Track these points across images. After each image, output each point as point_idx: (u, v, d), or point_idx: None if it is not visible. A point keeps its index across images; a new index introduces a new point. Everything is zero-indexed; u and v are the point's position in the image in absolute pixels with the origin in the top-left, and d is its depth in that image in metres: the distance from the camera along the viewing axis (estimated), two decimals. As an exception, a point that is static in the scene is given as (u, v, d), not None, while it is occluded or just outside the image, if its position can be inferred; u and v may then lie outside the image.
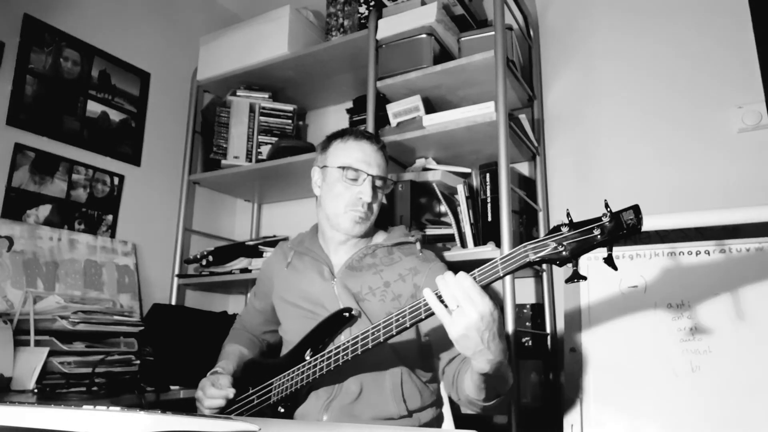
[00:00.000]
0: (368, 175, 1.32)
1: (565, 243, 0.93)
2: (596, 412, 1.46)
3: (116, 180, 2.16)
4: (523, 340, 1.82)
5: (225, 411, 1.32)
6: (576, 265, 0.95)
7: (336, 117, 2.47)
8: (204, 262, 2.18)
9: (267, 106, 2.30)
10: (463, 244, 1.72)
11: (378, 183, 1.34)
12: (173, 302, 2.26)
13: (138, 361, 1.68)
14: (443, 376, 1.23)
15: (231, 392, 1.29)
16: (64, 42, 2.02)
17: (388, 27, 1.90)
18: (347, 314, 1.25)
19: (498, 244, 1.59)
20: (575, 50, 2.05)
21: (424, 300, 1.00)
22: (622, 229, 0.91)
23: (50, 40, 1.97)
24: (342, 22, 2.12)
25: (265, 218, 2.65)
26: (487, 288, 0.98)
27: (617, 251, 1.59)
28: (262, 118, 2.29)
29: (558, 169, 2.00)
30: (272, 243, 2.14)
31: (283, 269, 1.46)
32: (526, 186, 1.91)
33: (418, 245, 1.39)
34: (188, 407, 1.37)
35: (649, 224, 1.57)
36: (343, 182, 1.32)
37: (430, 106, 1.95)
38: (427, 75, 1.81)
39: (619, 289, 1.55)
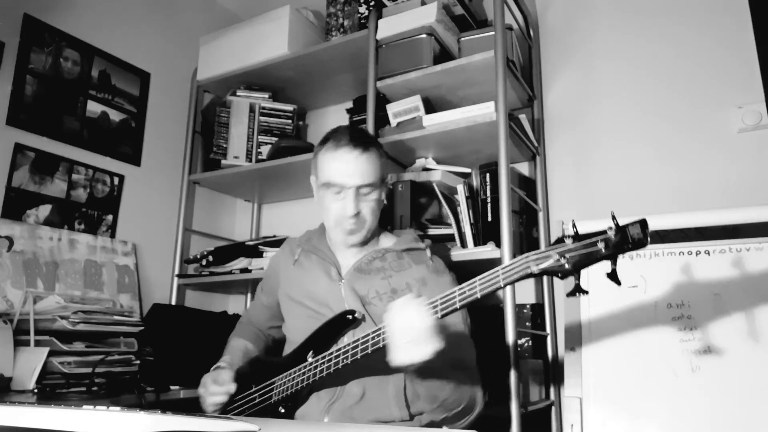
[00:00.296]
0: (349, 187, 1.27)
1: (567, 255, 0.92)
2: (596, 412, 1.46)
3: (116, 180, 2.16)
4: (523, 340, 1.82)
5: (228, 408, 1.32)
6: (578, 278, 0.93)
7: (336, 117, 2.47)
8: (204, 262, 2.18)
9: (267, 106, 2.30)
10: (463, 244, 1.72)
11: (364, 190, 1.28)
12: (173, 302, 2.26)
13: (138, 361, 1.68)
14: None
15: (232, 387, 1.30)
16: (64, 42, 2.02)
17: (388, 27, 1.90)
18: (351, 317, 1.25)
19: (498, 244, 1.59)
20: (575, 50, 2.05)
21: (427, 306, 1.02)
22: (627, 243, 0.89)
23: (50, 40, 1.97)
24: (342, 22, 2.12)
25: (265, 218, 2.65)
26: (489, 296, 0.99)
27: (617, 251, 1.59)
28: (262, 118, 2.29)
29: (558, 169, 2.00)
30: (272, 243, 2.14)
31: (290, 266, 1.45)
32: (526, 186, 1.91)
33: (428, 252, 1.38)
34: (188, 407, 1.37)
35: (649, 224, 1.58)
36: (328, 197, 1.30)
37: (430, 106, 1.95)
38: (427, 75, 1.81)
39: (619, 290, 1.55)
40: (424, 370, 1.04)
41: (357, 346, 1.11)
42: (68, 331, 1.53)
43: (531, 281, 1.95)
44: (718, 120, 1.76)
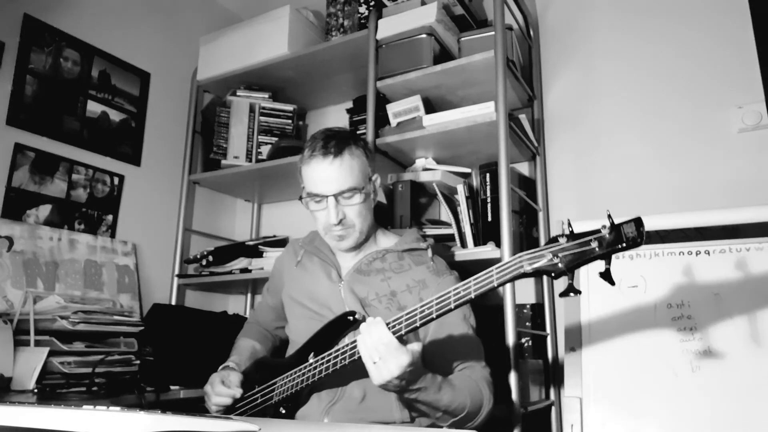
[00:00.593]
0: (327, 196, 1.26)
1: (560, 255, 0.91)
2: (596, 412, 1.46)
3: (116, 180, 2.16)
4: (523, 340, 1.82)
5: (230, 408, 1.33)
6: (572, 278, 0.92)
7: (336, 117, 2.47)
8: (204, 262, 2.18)
9: (267, 106, 2.30)
10: (463, 244, 1.72)
11: (345, 196, 1.26)
12: (173, 302, 2.26)
13: (138, 361, 1.68)
14: None
15: (238, 392, 1.30)
16: (64, 42, 2.02)
17: (388, 27, 1.90)
18: (352, 318, 1.25)
19: (498, 244, 1.59)
20: (575, 50, 2.05)
21: (420, 309, 1.02)
22: (621, 242, 0.87)
23: (50, 40, 1.97)
24: (342, 22, 2.12)
25: (265, 218, 2.65)
26: (483, 296, 0.98)
27: (617, 251, 1.59)
28: (262, 118, 2.29)
29: (558, 169, 2.00)
30: (272, 243, 2.14)
31: (293, 267, 1.46)
32: (526, 186, 1.91)
33: (429, 252, 1.37)
34: (188, 407, 1.37)
35: (649, 224, 1.57)
36: (312, 206, 1.30)
37: (430, 106, 1.95)
38: (427, 75, 1.81)
39: (619, 290, 1.55)
40: (407, 389, 1.03)
41: (355, 347, 1.11)
42: (68, 331, 1.53)
43: (531, 281, 1.95)
44: (718, 120, 1.76)
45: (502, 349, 1.50)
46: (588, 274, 1.62)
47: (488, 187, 1.76)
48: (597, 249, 0.89)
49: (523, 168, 2.03)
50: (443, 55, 1.87)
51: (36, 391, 1.41)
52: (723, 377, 1.37)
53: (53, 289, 1.83)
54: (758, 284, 1.42)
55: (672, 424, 1.37)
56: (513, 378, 1.47)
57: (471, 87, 1.88)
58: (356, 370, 1.21)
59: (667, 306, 1.48)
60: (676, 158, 1.81)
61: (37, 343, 1.51)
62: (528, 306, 1.88)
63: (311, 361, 1.21)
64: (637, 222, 0.88)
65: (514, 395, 1.46)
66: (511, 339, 1.50)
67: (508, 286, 1.53)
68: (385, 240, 1.41)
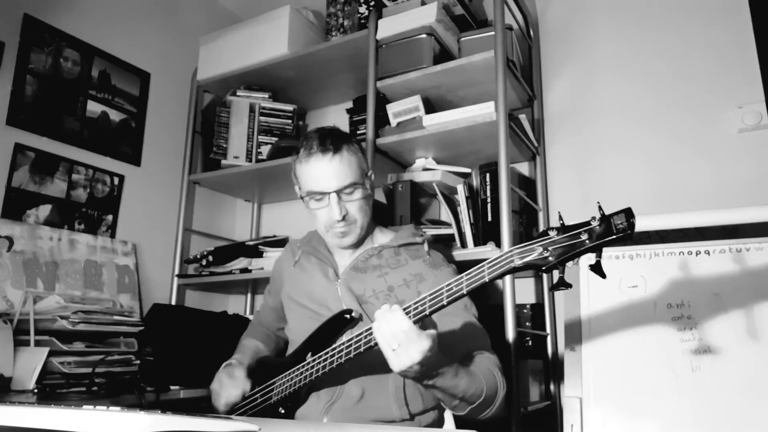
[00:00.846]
0: (329, 192, 1.26)
1: (551, 248, 0.90)
2: (596, 412, 1.46)
3: (116, 180, 2.16)
4: (523, 340, 1.82)
5: (234, 407, 1.33)
6: (563, 271, 0.91)
7: (336, 117, 2.47)
8: (204, 262, 2.18)
9: (267, 106, 2.30)
10: (463, 245, 1.72)
11: (346, 191, 1.27)
12: (173, 302, 2.26)
13: (138, 361, 1.68)
14: None
15: (248, 385, 1.31)
16: (64, 42, 2.02)
17: (388, 27, 1.90)
18: (348, 316, 1.25)
19: (498, 244, 1.59)
20: (575, 50, 2.05)
21: (416, 304, 1.02)
22: (611, 234, 0.86)
23: (50, 40, 1.97)
24: (342, 22, 2.12)
25: (265, 218, 2.65)
26: (476, 291, 0.98)
27: (617, 251, 1.59)
28: (262, 118, 2.29)
29: (558, 169, 2.00)
30: (272, 243, 2.14)
31: (291, 268, 1.46)
32: (526, 186, 1.91)
33: (425, 246, 1.37)
34: (188, 407, 1.37)
35: (649, 224, 1.58)
36: (312, 205, 1.30)
37: (430, 106, 1.95)
38: (427, 75, 1.81)
39: (619, 290, 1.55)
40: (428, 374, 1.02)
41: (350, 345, 1.11)
42: (68, 331, 1.53)
43: (530, 281, 1.95)
44: (718, 120, 1.76)
45: (502, 349, 1.50)
46: (588, 274, 1.62)
47: (488, 187, 1.76)
48: (587, 241, 0.88)
49: (523, 168, 2.03)
50: (443, 55, 1.87)
51: (36, 391, 1.41)
52: (723, 377, 1.37)
53: (53, 289, 1.83)
54: (758, 284, 1.42)
55: (672, 423, 1.37)
56: (513, 378, 1.47)
57: (471, 87, 1.88)
58: (354, 368, 1.21)
59: (667, 306, 1.48)
60: (676, 157, 1.81)
61: (37, 343, 1.51)
62: (528, 306, 1.88)
63: (309, 360, 1.21)
64: (627, 213, 0.87)
65: (514, 395, 1.46)
66: (511, 339, 1.50)
67: (508, 286, 1.53)
68: (382, 237, 1.42)
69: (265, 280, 1.71)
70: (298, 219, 2.29)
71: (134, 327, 1.71)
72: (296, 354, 1.29)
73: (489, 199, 1.74)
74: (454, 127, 1.74)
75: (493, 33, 1.73)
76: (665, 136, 1.84)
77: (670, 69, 1.87)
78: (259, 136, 2.26)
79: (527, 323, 1.85)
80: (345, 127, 2.17)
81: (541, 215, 1.92)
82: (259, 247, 2.11)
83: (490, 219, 1.73)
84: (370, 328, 1.07)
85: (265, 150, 2.22)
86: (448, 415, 1.41)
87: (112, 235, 2.11)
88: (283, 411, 1.26)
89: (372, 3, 2.02)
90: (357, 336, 1.10)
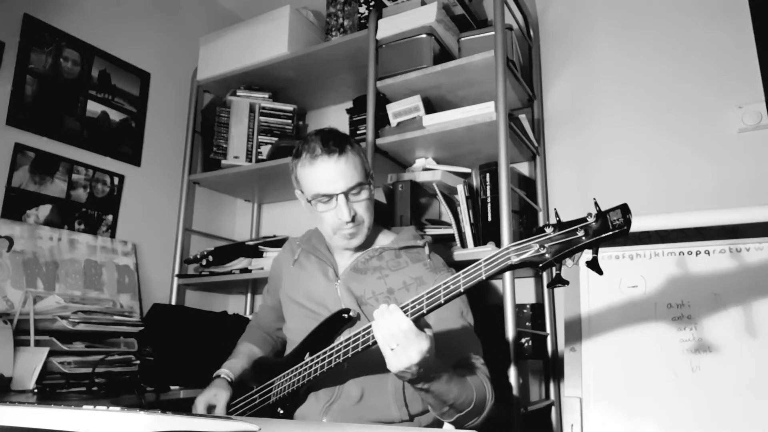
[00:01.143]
0: (337, 194, 1.25)
1: (547, 245, 0.90)
2: (596, 412, 1.46)
3: (116, 180, 2.16)
4: (523, 340, 1.82)
5: (229, 409, 1.33)
6: (559, 268, 0.91)
7: (336, 117, 2.47)
8: (204, 262, 2.18)
9: (267, 106, 2.30)
10: (463, 245, 1.72)
11: (353, 192, 1.26)
12: (173, 302, 2.26)
13: (138, 361, 1.68)
14: None
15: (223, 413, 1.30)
16: (64, 42, 2.02)
17: (388, 27, 1.90)
18: (346, 315, 1.25)
19: (498, 245, 1.59)
20: (575, 50, 2.05)
21: (413, 303, 1.01)
22: (608, 230, 0.86)
23: (50, 40, 1.97)
24: (342, 22, 2.12)
25: (265, 218, 2.65)
26: (473, 290, 0.98)
27: (617, 251, 1.60)
28: (262, 118, 2.29)
29: (558, 169, 2.00)
30: (272, 243, 2.14)
31: (290, 266, 1.45)
32: (526, 186, 1.91)
33: (426, 249, 1.37)
34: (188, 407, 1.37)
35: (649, 224, 1.58)
36: (319, 208, 1.29)
37: (430, 106, 1.95)
38: (427, 75, 1.81)
39: (619, 290, 1.55)
40: (425, 377, 1.01)
41: (348, 345, 1.11)
42: (68, 331, 1.53)
43: (530, 281, 1.95)
44: (718, 120, 1.76)
45: (502, 349, 1.50)
46: (588, 274, 1.62)
47: (488, 187, 1.76)
48: (584, 238, 0.88)
49: (523, 168, 2.03)
50: (443, 55, 1.87)
51: (36, 391, 1.41)
52: (723, 377, 1.37)
53: (53, 289, 1.83)
54: (758, 284, 1.42)
55: (672, 423, 1.37)
56: (513, 378, 1.47)
57: (471, 87, 1.88)
58: (354, 369, 1.21)
59: (667, 306, 1.48)
60: (676, 157, 1.81)
61: (37, 343, 1.51)
62: (528, 306, 1.88)
63: (307, 360, 1.21)
64: (623, 209, 0.87)
65: (514, 395, 1.46)
66: (511, 339, 1.49)
67: (508, 286, 1.53)
68: (383, 238, 1.41)
69: (265, 280, 1.71)
70: (298, 219, 2.29)
71: (134, 327, 1.71)
72: (294, 354, 1.29)
73: (489, 199, 1.74)
74: (454, 127, 1.74)
75: (493, 33, 1.73)
76: (665, 136, 1.84)
77: (670, 69, 1.87)
78: (259, 136, 2.26)
79: (527, 323, 1.85)
80: (345, 126, 2.17)
81: (541, 215, 1.92)
82: (259, 247, 2.11)
83: (490, 219, 1.73)
84: (368, 327, 1.07)
85: (265, 150, 2.22)
86: (448, 415, 1.41)
87: (112, 235, 2.11)
88: (282, 411, 1.26)
89: (372, 3, 2.02)
90: (355, 335, 1.10)
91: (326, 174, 1.25)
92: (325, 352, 1.16)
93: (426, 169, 1.92)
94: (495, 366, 1.32)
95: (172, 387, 1.72)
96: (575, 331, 1.58)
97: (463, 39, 1.83)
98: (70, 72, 2.03)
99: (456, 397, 1.08)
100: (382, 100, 1.95)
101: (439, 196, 1.81)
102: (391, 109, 1.90)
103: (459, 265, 1.60)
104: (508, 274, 1.52)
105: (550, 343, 1.84)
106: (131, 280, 2.11)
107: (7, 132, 1.83)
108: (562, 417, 1.52)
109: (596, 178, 1.92)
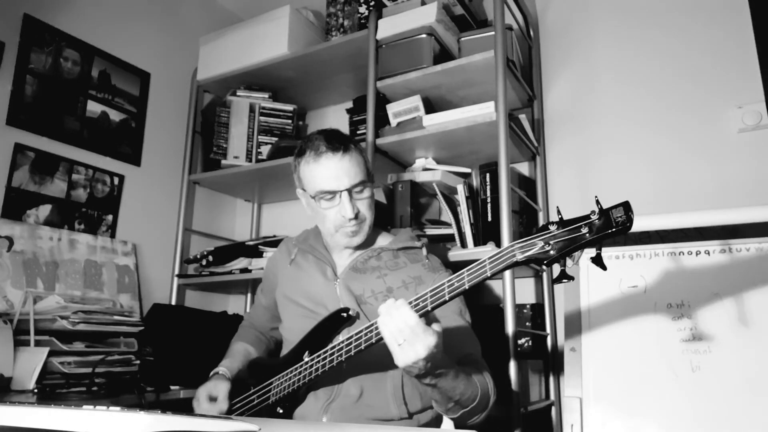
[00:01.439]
0: (341, 191, 1.25)
1: (552, 242, 0.92)
2: (596, 412, 1.46)
3: (116, 180, 2.16)
4: (523, 340, 1.83)
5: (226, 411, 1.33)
6: (564, 264, 0.93)
7: (336, 117, 2.47)
8: (204, 262, 2.18)
9: (267, 106, 2.30)
10: (463, 245, 1.72)
11: (357, 189, 1.27)
12: (173, 302, 2.26)
13: (138, 361, 1.68)
14: None
15: (225, 405, 1.30)
16: (64, 42, 2.02)
17: (388, 27, 1.90)
18: (345, 314, 1.25)
19: (498, 245, 1.59)
20: (575, 50, 2.05)
21: (417, 300, 1.02)
22: (611, 227, 0.88)
23: (50, 40, 1.97)
24: (342, 22, 2.12)
25: (265, 218, 2.65)
26: (482, 285, 0.98)
27: (617, 251, 1.60)
28: (262, 118, 2.29)
29: (558, 169, 2.00)
30: (272, 243, 2.14)
31: (286, 266, 1.45)
32: (526, 186, 1.91)
33: (424, 250, 1.37)
34: (188, 407, 1.37)
35: (649, 224, 1.58)
36: (323, 205, 1.29)
37: (430, 106, 1.95)
38: (427, 75, 1.81)
39: (619, 289, 1.55)
40: (432, 372, 1.01)
41: (351, 343, 1.11)
42: (68, 331, 1.53)
43: (531, 281, 1.95)
44: (718, 120, 1.76)
45: (502, 349, 1.50)
46: (588, 274, 1.62)
47: (488, 187, 1.76)
48: (587, 234, 0.90)
49: (523, 168, 2.04)
50: (443, 55, 1.87)
51: (36, 391, 1.41)
52: (723, 377, 1.37)
53: (53, 289, 1.83)
54: (758, 284, 1.42)
55: (672, 423, 1.37)
56: (513, 378, 1.47)
57: (471, 87, 1.88)
58: (353, 367, 1.21)
59: (667, 305, 1.49)
60: (676, 158, 1.81)
61: (37, 343, 1.51)
62: (528, 306, 1.88)
63: (307, 359, 1.21)
64: (626, 206, 0.89)
65: (514, 395, 1.46)
66: (511, 339, 1.49)
67: (508, 286, 1.53)
68: (381, 239, 1.42)
69: (265, 280, 1.71)
70: (298, 219, 2.30)
71: (134, 327, 1.71)
72: (293, 353, 1.29)
73: (489, 199, 1.74)
74: (454, 127, 1.74)
75: (493, 33, 1.73)
76: (665, 136, 1.84)
77: (670, 69, 1.87)
78: (259, 136, 2.26)
79: (527, 323, 1.85)
80: (345, 126, 2.17)
81: (541, 215, 1.92)
82: (259, 247, 2.11)
83: (490, 219, 1.73)
84: (371, 325, 1.07)
85: (265, 150, 2.22)
86: (448, 415, 1.41)
87: (112, 235, 2.11)
88: (281, 411, 1.26)
89: (372, 3, 2.02)
90: (357, 333, 1.10)
91: (331, 171, 1.26)
92: (325, 351, 1.16)
93: (426, 169, 1.92)
94: (495, 366, 1.32)
95: (172, 387, 1.72)
96: (575, 330, 1.58)
97: (463, 39, 1.83)
98: (70, 72, 2.04)
99: (462, 392, 1.08)
100: (382, 100, 1.95)
101: (439, 196, 1.81)
102: (391, 109, 1.90)
103: (458, 266, 1.60)
104: (508, 274, 1.53)
105: (550, 343, 1.84)
106: (131, 280, 2.11)
107: (7, 132, 1.84)
108: (562, 417, 1.52)
109: (596, 178, 1.92)
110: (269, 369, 1.32)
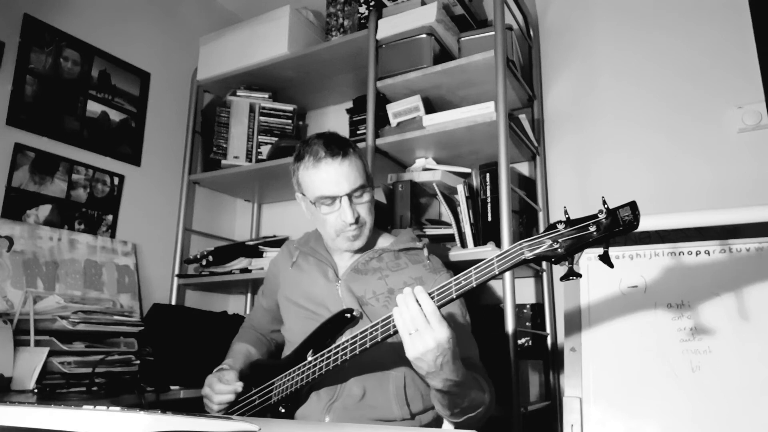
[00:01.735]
0: (341, 196, 1.25)
1: (560, 240, 0.93)
2: (596, 412, 1.46)
3: (116, 180, 2.16)
4: (523, 340, 1.83)
5: (228, 410, 1.33)
6: (572, 262, 0.94)
7: (336, 117, 2.47)
8: (204, 262, 2.18)
9: (267, 106, 2.30)
10: (463, 245, 1.72)
11: (357, 194, 1.27)
12: (173, 302, 2.26)
13: (138, 361, 1.68)
14: None
15: (239, 386, 1.29)
16: (64, 42, 2.02)
17: (388, 27, 1.90)
18: (348, 315, 1.25)
19: (498, 245, 1.59)
20: (575, 50, 2.05)
21: (438, 290, 1.01)
22: (618, 225, 0.90)
23: (50, 40, 1.97)
24: (342, 22, 2.12)
25: (265, 218, 2.65)
26: (484, 285, 0.98)
27: (617, 251, 1.59)
28: (262, 118, 2.29)
29: (558, 169, 2.00)
30: (272, 243, 2.15)
31: (288, 268, 1.45)
32: (526, 186, 1.91)
33: (425, 251, 1.37)
34: (188, 407, 1.37)
35: (649, 224, 1.58)
36: (323, 210, 1.29)
37: (430, 106, 1.95)
38: (427, 75, 1.81)
39: (619, 289, 1.55)
40: (439, 373, 1.00)
41: (355, 343, 1.11)
42: (68, 331, 1.53)
43: (531, 281, 1.95)
44: (718, 120, 1.76)
45: (502, 349, 1.50)
46: (588, 274, 1.62)
47: (488, 187, 1.76)
48: (595, 233, 0.91)
49: (523, 168, 2.04)
50: (443, 55, 1.87)
51: (36, 391, 1.41)
52: (723, 377, 1.37)
53: (53, 289, 1.83)
54: (758, 284, 1.42)
55: (672, 423, 1.37)
56: (513, 378, 1.47)
57: (471, 87, 1.88)
58: (355, 368, 1.21)
59: (667, 305, 1.48)
60: (676, 158, 1.81)
61: (37, 343, 1.51)
62: (528, 306, 1.88)
63: (310, 359, 1.21)
64: (632, 206, 0.91)
65: (514, 395, 1.46)
66: (510, 339, 1.49)
67: (508, 286, 1.53)
68: (382, 240, 1.42)
69: (264, 280, 1.71)
70: (297, 219, 2.30)
71: (134, 327, 1.71)
72: (295, 354, 1.29)
73: (489, 199, 1.74)
74: (454, 127, 1.74)
75: (493, 33, 1.73)
76: (665, 136, 1.84)
77: (670, 69, 1.87)
78: (259, 136, 2.26)
79: (527, 323, 1.85)
80: (345, 126, 2.17)
81: (541, 215, 1.92)
82: (259, 247, 2.12)
83: (490, 219, 1.73)
84: (376, 324, 1.08)
85: (265, 150, 2.22)
86: (448, 414, 1.41)
87: (112, 235, 2.11)
88: (283, 410, 1.26)
89: (372, 3, 2.02)
90: (362, 332, 1.10)
91: (330, 176, 1.25)
92: (329, 350, 1.16)
93: (426, 169, 1.92)
94: (494, 366, 1.33)
95: (172, 387, 1.72)
96: (575, 330, 1.58)
97: (463, 39, 1.83)
98: (70, 72, 2.04)
99: (471, 400, 1.08)
100: (382, 100, 1.95)
101: (439, 196, 1.81)
102: (391, 109, 1.90)
103: (458, 266, 1.60)
104: (508, 274, 1.53)
105: (550, 343, 1.84)
106: (131, 280, 2.11)
107: (7, 132, 1.84)
108: (562, 417, 1.52)
109: (596, 178, 1.92)
110: (271, 369, 1.32)
